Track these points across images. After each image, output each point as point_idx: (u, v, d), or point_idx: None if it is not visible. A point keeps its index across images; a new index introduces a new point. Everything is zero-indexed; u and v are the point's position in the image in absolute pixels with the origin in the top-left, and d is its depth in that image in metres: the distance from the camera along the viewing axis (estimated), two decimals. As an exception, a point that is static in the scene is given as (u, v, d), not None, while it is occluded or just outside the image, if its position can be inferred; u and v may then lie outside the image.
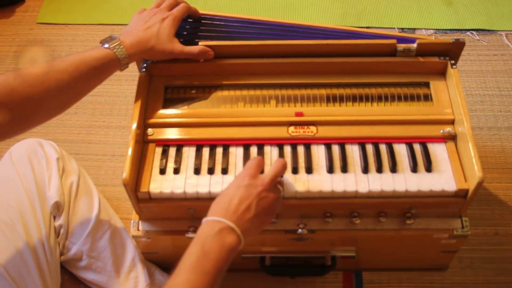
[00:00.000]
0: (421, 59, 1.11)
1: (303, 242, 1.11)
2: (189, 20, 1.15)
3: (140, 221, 1.10)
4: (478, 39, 1.74)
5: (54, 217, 1.13)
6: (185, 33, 1.14)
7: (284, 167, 0.96)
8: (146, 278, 1.17)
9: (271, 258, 1.18)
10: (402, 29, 1.78)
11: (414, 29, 1.78)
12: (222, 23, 1.17)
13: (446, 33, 1.76)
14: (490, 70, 1.66)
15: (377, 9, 1.83)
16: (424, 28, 1.78)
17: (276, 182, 0.95)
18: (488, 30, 1.76)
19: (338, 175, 1.02)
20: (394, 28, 1.78)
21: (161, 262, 1.22)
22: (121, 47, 1.00)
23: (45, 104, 0.94)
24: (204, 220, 0.88)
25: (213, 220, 0.86)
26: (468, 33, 1.76)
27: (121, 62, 1.01)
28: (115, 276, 1.16)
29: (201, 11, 1.17)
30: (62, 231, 1.13)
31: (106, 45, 0.99)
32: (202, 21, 1.17)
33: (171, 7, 1.10)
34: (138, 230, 1.09)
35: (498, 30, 1.76)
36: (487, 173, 1.42)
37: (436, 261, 1.23)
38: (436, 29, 1.77)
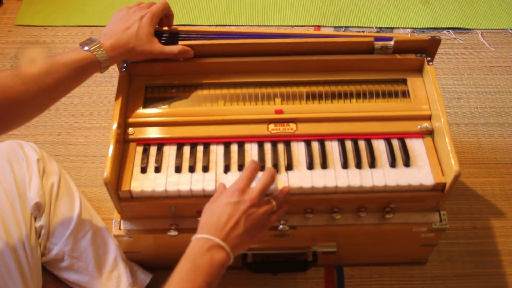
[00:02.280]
0: (398, 56, 1.13)
1: (285, 239, 1.12)
2: (164, 35, 1.15)
3: (121, 221, 1.10)
4: (454, 38, 1.77)
5: (35, 218, 1.12)
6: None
7: (272, 178, 0.97)
8: (129, 277, 1.17)
9: (253, 255, 1.19)
10: (380, 28, 1.80)
11: (392, 28, 1.80)
12: (198, 36, 1.17)
13: (423, 31, 1.79)
14: (466, 67, 1.68)
15: (355, 8, 1.86)
16: (401, 27, 1.80)
17: (267, 195, 0.96)
18: (464, 29, 1.79)
19: (318, 171, 1.03)
20: (373, 27, 1.80)
21: (144, 261, 1.22)
22: (101, 49, 1.00)
23: (27, 105, 0.94)
24: (194, 237, 0.89)
25: (202, 237, 0.88)
26: (444, 31, 1.79)
27: (102, 65, 1.01)
28: (97, 276, 1.15)
29: (178, 28, 1.16)
30: (43, 231, 1.12)
31: (86, 48, 0.99)
32: (180, 35, 1.16)
33: (150, 6, 1.10)
34: (120, 229, 1.09)
35: (474, 29, 1.79)
36: (464, 168, 1.44)
37: (416, 255, 1.25)
38: (414, 28, 1.80)
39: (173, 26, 1.17)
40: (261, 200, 0.94)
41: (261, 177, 0.97)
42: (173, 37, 1.15)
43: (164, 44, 1.10)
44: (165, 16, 1.13)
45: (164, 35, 1.15)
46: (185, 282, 0.83)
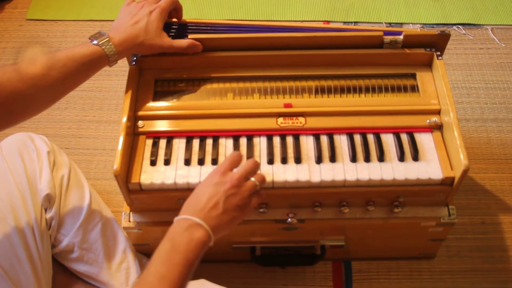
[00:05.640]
0: (407, 50, 1.13)
1: (293, 232, 1.13)
2: (173, 27, 1.15)
3: (131, 213, 1.11)
4: (464, 33, 1.76)
5: (46, 210, 1.13)
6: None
7: (255, 165, 0.97)
8: (138, 269, 1.18)
9: (262, 248, 1.20)
10: (390, 23, 1.79)
11: (402, 23, 1.80)
12: (208, 28, 1.17)
13: (433, 27, 1.78)
14: (476, 63, 1.68)
15: (365, 4, 1.85)
16: (411, 23, 1.80)
17: (250, 177, 0.96)
18: (474, 25, 1.78)
19: (326, 164, 1.03)
20: (382, 22, 1.80)
21: (153, 254, 1.23)
22: (109, 43, 1.00)
23: (34, 99, 0.94)
24: (175, 219, 0.90)
25: (181, 218, 0.90)
26: (454, 27, 1.78)
27: (110, 58, 1.01)
28: (107, 267, 1.16)
29: (187, 20, 1.16)
30: (53, 223, 1.13)
31: (95, 42, 1.00)
32: (188, 27, 1.16)
33: (159, 1, 1.10)
34: (129, 221, 1.10)
35: (484, 24, 1.78)
36: (473, 164, 1.44)
37: (424, 249, 1.25)
38: (423, 24, 1.79)
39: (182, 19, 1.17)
40: (241, 182, 0.93)
41: (245, 163, 0.97)
42: (182, 29, 1.15)
43: (173, 37, 1.10)
44: (174, 9, 1.13)
45: (173, 27, 1.15)
46: (163, 261, 0.84)
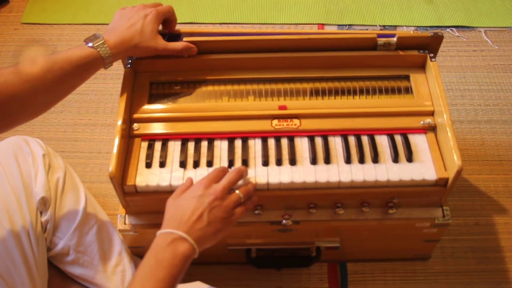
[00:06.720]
0: (401, 52, 1.13)
1: (288, 234, 1.13)
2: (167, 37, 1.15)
3: (126, 215, 1.11)
4: (458, 36, 1.77)
5: (41, 213, 1.13)
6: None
7: (239, 175, 0.98)
8: (133, 271, 1.17)
9: (257, 250, 1.20)
10: (384, 26, 1.80)
11: (396, 26, 1.81)
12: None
13: (426, 30, 1.79)
14: (469, 65, 1.69)
15: (359, 7, 1.86)
16: (405, 26, 1.81)
17: (234, 187, 0.97)
18: (468, 27, 1.80)
19: (321, 166, 1.04)
20: (376, 25, 1.81)
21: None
22: (105, 46, 1.01)
23: (30, 102, 0.94)
24: (158, 233, 0.91)
25: (165, 232, 0.90)
26: (448, 29, 1.79)
27: (105, 61, 1.02)
28: (102, 270, 1.16)
29: (181, 30, 1.16)
30: (49, 226, 1.13)
31: (90, 44, 1.00)
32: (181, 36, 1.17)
33: (155, 6, 1.11)
34: (125, 224, 1.11)
35: (477, 27, 1.79)
36: (467, 165, 1.45)
37: (419, 250, 1.26)
38: (417, 26, 1.80)
39: (176, 28, 1.16)
40: (225, 194, 0.94)
41: (228, 174, 0.98)
42: (177, 38, 1.15)
43: (169, 40, 1.10)
44: (168, 20, 1.14)
45: (167, 37, 1.15)
46: (148, 277, 0.84)
